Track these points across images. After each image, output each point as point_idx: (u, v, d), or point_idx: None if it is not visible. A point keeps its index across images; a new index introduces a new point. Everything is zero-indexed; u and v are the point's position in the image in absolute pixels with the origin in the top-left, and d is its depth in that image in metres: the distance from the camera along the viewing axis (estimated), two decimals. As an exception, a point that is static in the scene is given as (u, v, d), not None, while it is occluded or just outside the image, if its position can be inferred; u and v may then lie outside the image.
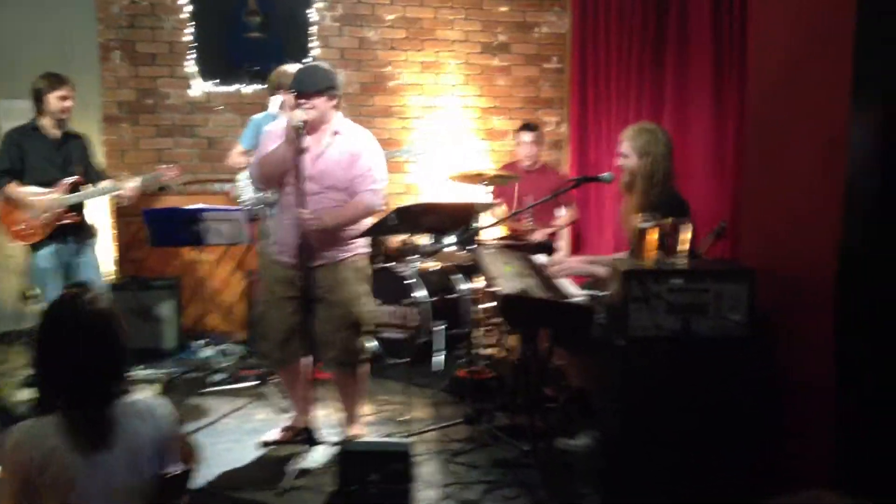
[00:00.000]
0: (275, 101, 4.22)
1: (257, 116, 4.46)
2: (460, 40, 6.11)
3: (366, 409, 3.97)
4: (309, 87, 3.27)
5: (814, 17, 2.74)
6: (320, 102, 3.27)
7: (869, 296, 2.44)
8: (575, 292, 3.32)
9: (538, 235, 4.99)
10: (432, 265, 5.14)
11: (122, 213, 5.37)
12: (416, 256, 5.08)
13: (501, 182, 5.10)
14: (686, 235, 2.80)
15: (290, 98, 3.90)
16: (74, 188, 4.40)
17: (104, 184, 4.49)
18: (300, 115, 3.20)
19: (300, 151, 3.18)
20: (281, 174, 3.36)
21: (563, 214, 5.27)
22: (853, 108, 2.44)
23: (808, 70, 2.77)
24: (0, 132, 4.67)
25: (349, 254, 3.46)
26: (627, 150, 3.32)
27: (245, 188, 4.43)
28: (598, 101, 5.37)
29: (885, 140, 2.37)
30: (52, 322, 1.87)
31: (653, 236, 2.82)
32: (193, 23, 5.66)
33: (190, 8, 5.64)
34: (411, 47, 6.05)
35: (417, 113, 6.09)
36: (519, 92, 6.24)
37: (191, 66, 5.70)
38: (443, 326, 4.80)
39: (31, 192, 4.33)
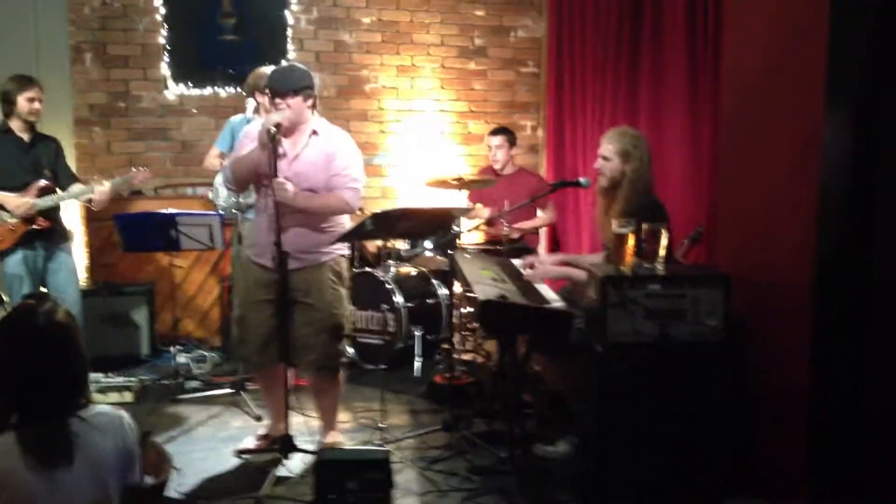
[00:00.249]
0: (251, 104, 4.18)
1: (234, 119, 4.42)
2: (436, 44, 6.10)
3: (343, 416, 3.94)
4: (284, 86, 3.23)
5: (788, 19, 2.76)
6: (296, 103, 3.24)
7: (844, 299, 2.45)
8: (553, 297, 3.31)
9: (516, 234, 4.99)
10: (410, 270, 5.12)
11: (94, 218, 5.28)
12: (394, 261, 5.06)
13: (478, 186, 5.09)
14: (664, 241, 2.80)
15: (265, 100, 3.89)
16: (44, 192, 4.32)
17: (74, 188, 4.41)
18: (275, 118, 3.17)
19: (275, 155, 3.15)
20: (254, 177, 3.33)
21: (541, 216, 5.26)
22: (827, 111, 2.45)
23: (782, 73, 2.78)
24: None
25: (329, 256, 3.42)
26: (609, 153, 3.30)
27: (221, 191, 4.38)
28: (575, 105, 5.38)
29: (858, 142, 2.39)
30: (3, 334, 1.80)
31: (631, 242, 2.82)
32: (166, 25, 5.60)
33: (163, 10, 5.58)
34: (387, 51, 6.03)
35: (394, 117, 6.07)
36: (495, 96, 6.24)
37: (164, 68, 5.64)
38: (420, 332, 4.78)
39: (1, 201, 4.24)
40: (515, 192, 4.90)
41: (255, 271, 3.41)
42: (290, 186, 3.18)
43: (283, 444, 3.36)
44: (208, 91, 5.70)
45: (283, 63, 5.22)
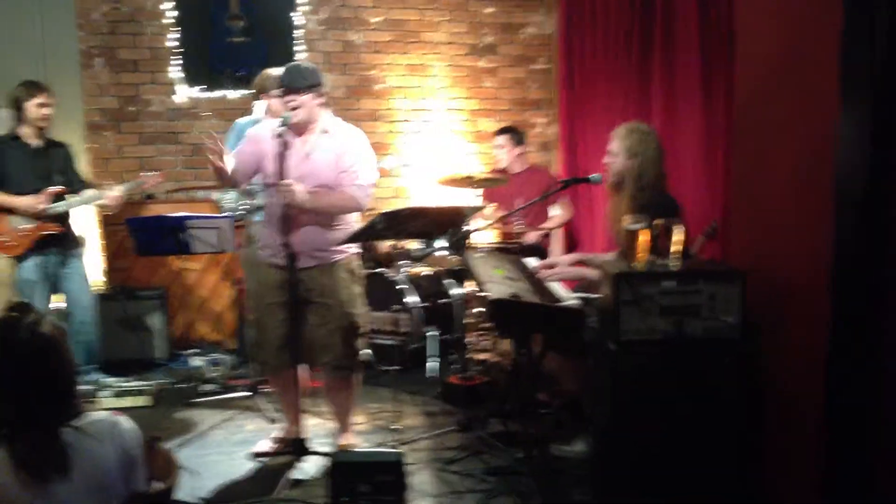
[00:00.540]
0: (259, 106, 4.16)
1: (241, 120, 4.40)
2: (446, 42, 6.07)
3: (358, 418, 3.92)
4: (296, 83, 3.23)
5: (801, 14, 2.71)
6: (307, 100, 3.24)
7: (861, 297, 2.40)
8: (566, 296, 3.28)
9: (530, 237, 4.95)
10: (423, 270, 5.10)
11: (108, 223, 5.30)
12: (407, 261, 5.04)
13: (490, 185, 5.06)
14: (678, 237, 2.75)
15: (275, 102, 3.89)
16: (57, 198, 4.34)
17: (86, 193, 4.43)
18: (288, 116, 3.19)
19: (283, 156, 3.14)
20: (252, 172, 3.36)
21: (556, 214, 5.22)
22: (841, 106, 2.40)
23: (796, 69, 2.73)
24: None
25: (342, 255, 3.40)
26: (616, 150, 3.29)
27: (228, 194, 4.37)
28: (587, 102, 5.33)
29: (873, 137, 2.34)
30: None
31: (644, 238, 2.78)
32: (175, 28, 5.60)
33: (172, 13, 5.58)
34: (397, 50, 6.00)
35: (404, 116, 6.05)
36: (506, 94, 6.20)
37: (174, 72, 5.64)
38: (435, 332, 4.75)
39: (11, 203, 4.26)
40: (528, 190, 4.86)
41: (268, 273, 3.39)
42: (297, 188, 3.16)
43: (296, 447, 3.35)
44: (218, 94, 5.70)
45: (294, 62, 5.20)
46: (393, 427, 3.60)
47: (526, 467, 3.30)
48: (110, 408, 4.20)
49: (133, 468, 1.81)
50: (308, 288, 3.30)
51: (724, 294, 2.63)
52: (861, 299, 2.39)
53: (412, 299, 4.70)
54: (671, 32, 4.27)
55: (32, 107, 4.28)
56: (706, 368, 2.69)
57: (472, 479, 3.28)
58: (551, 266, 3.56)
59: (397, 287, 4.75)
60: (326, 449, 3.49)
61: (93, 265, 5.06)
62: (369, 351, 4.84)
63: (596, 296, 3.14)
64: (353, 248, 3.47)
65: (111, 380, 4.46)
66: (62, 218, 4.40)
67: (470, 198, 4.85)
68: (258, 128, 3.49)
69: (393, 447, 3.53)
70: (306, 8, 5.80)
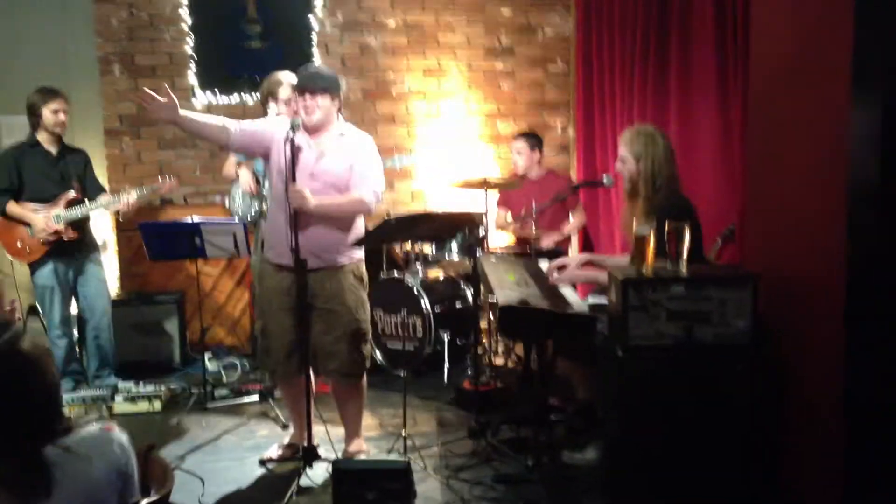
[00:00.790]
0: (271, 110, 4.16)
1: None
2: (463, 45, 6.02)
3: (369, 424, 3.89)
4: (314, 83, 3.22)
5: (814, 14, 2.66)
6: (324, 101, 3.23)
7: (879, 299, 2.33)
8: (577, 301, 3.23)
9: (546, 242, 4.90)
10: (438, 274, 5.06)
11: (124, 228, 5.32)
12: (421, 265, 5.00)
13: (507, 188, 5.01)
14: (688, 240, 2.69)
15: (280, 106, 3.90)
16: (73, 204, 4.37)
17: (102, 198, 4.45)
18: (298, 121, 3.18)
19: (293, 159, 3.13)
20: (258, 146, 3.32)
21: (572, 221, 5.17)
22: (853, 104, 2.36)
23: (808, 68, 2.69)
24: (1, 148, 4.67)
25: (349, 260, 3.38)
26: (624, 154, 3.23)
27: (237, 198, 4.37)
28: (604, 104, 5.27)
29: (886, 136, 2.28)
30: None
31: (651, 243, 2.72)
32: (193, 34, 5.63)
33: (189, 19, 5.61)
34: (413, 53, 5.97)
35: (421, 119, 6.02)
36: (524, 96, 6.14)
37: (191, 77, 5.67)
38: (449, 337, 4.71)
39: (28, 210, 4.30)
40: (544, 195, 4.81)
41: (274, 278, 3.37)
42: (307, 193, 3.14)
43: (305, 454, 3.32)
44: (235, 99, 5.72)
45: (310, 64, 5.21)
46: (401, 434, 3.56)
47: (536, 475, 3.25)
48: (116, 413, 4.24)
49: (126, 482, 1.75)
50: (314, 293, 3.27)
51: (734, 299, 2.57)
52: (878, 297, 2.33)
53: (426, 304, 4.66)
54: (688, 33, 4.21)
55: (48, 112, 4.32)
56: (717, 374, 2.64)
57: (480, 486, 3.23)
58: (562, 266, 3.51)
59: (412, 291, 4.71)
60: (335, 455, 3.46)
61: (109, 270, 5.09)
62: (381, 355, 4.82)
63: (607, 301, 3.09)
64: (360, 254, 3.44)
65: (126, 384, 4.47)
66: (79, 223, 4.43)
67: (485, 202, 4.78)
68: (280, 119, 3.52)
69: (401, 454, 3.49)
70: (323, 12, 5.80)
